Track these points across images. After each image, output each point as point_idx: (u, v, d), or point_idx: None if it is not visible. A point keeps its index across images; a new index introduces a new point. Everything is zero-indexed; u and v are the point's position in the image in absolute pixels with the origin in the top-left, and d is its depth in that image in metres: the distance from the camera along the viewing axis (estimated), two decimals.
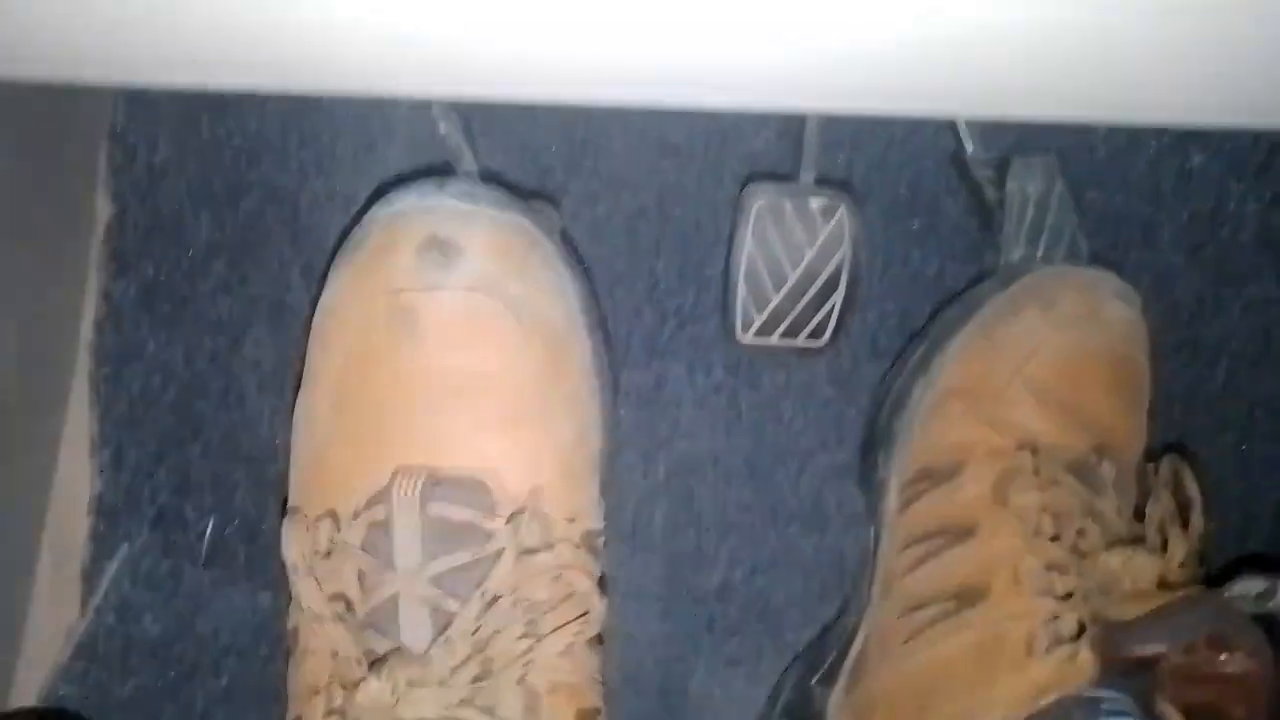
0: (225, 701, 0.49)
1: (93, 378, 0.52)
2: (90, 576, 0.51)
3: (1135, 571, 0.37)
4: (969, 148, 0.51)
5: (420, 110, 0.52)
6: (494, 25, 0.26)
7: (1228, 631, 0.33)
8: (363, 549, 0.34)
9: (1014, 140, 0.53)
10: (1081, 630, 0.36)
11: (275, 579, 0.51)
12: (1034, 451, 0.41)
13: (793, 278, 0.48)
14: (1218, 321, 0.53)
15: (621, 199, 0.53)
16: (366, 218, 0.38)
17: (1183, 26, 0.25)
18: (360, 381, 0.36)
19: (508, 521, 0.34)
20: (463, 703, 0.32)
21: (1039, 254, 0.48)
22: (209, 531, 0.51)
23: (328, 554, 0.34)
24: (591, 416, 0.39)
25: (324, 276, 0.51)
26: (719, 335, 0.53)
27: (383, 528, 0.34)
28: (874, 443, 0.48)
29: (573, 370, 0.38)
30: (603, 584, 0.38)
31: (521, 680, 0.33)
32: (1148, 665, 0.35)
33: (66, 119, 0.50)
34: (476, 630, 0.33)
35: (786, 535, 0.53)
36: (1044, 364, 0.43)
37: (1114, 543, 0.38)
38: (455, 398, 0.35)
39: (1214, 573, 0.38)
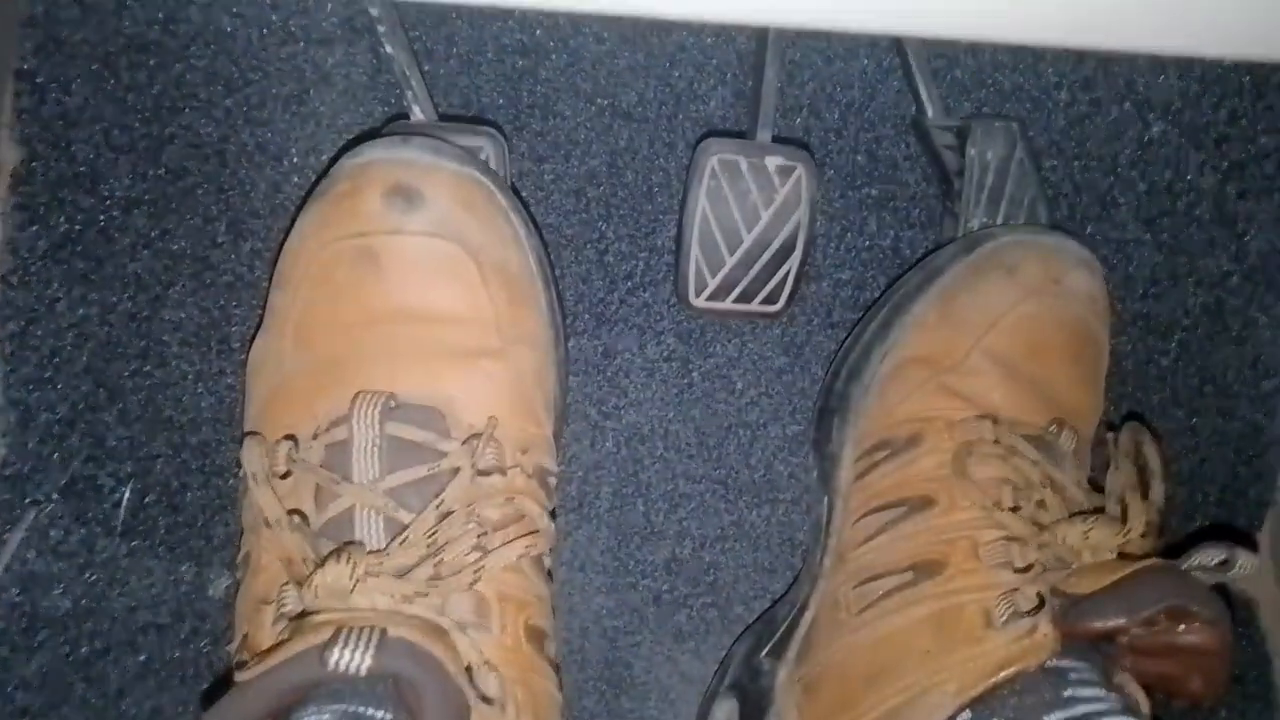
0: (142, 680, 0.47)
1: None
2: None
3: (1095, 543, 0.36)
4: (929, 113, 0.50)
5: (354, 58, 0.49)
6: None
7: (1187, 603, 0.33)
8: (321, 466, 0.35)
9: (974, 107, 0.52)
10: (1041, 604, 0.36)
11: (197, 551, 0.49)
12: (994, 421, 0.40)
13: (748, 239, 0.47)
14: (1172, 295, 0.53)
15: (570, 161, 0.51)
16: (334, 168, 0.39)
17: None
18: (323, 318, 0.37)
19: (463, 444, 0.35)
20: (416, 596, 0.32)
21: (999, 221, 0.47)
22: (125, 500, 0.48)
23: (285, 474, 0.35)
24: (547, 362, 0.40)
25: (251, 232, 0.49)
26: (670, 303, 0.52)
27: (341, 447, 0.35)
28: (829, 410, 0.47)
29: (530, 315, 0.39)
30: (553, 515, 0.39)
31: (471, 586, 0.34)
32: (1108, 639, 0.35)
33: None
34: (430, 537, 0.34)
35: (736, 508, 0.52)
36: (1005, 333, 0.42)
37: (1074, 514, 0.38)
38: (416, 331, 0.36)
39: (1174, 544, 0.38)
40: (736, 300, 0.48)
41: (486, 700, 0.33)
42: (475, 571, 0.34)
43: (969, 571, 0.37)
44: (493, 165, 0.45)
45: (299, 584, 0.32)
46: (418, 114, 0.45)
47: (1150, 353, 0.53)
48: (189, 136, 0.49)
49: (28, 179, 0.48)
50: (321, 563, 0.32)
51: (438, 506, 0.34)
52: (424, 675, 0.30)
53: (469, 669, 0.32)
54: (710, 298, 0.48)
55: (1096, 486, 0.41)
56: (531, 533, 0.36)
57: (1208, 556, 0.34)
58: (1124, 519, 0.37)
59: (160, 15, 0.48)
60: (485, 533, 0.35)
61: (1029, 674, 0.34)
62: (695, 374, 0.52)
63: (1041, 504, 0.38)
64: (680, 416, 0.52)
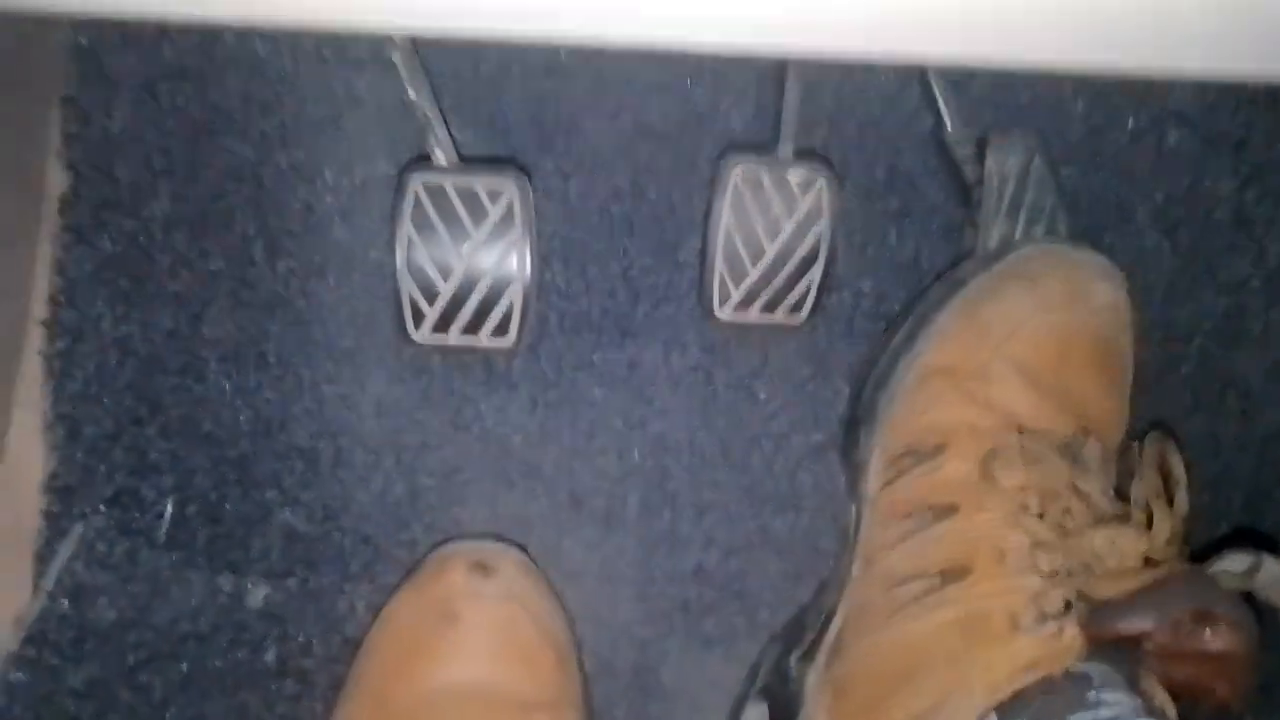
0: (184, 689, 0.48)
1: (45, 354, 0.50)
2: (43, 558, 0.49)
3: (1120, 549, 0.37)
4: (948, 125, 0.50)
5: (387, 80, 0.51)
6: None
7: (1213, 607, 0.33)
8: None
9: (992, 118, 0.53)
10: (1068, 607, 0.36)
11: (236, 562, 0.50)
12: (1019, 430, 0.41)
13: (771, 251, 0.48)
14: (1191, 301, 0.53)
15: (595, 178, 0.52)
16: (425, 558, 0.47)
17: None
18: (403, 677, 0.42)
19: None
20: None
21: (1018, 231, 0.48)
22: (168, 513, 0.50)
23: None
24: (584, 714, 0.46)
25: (287, 251, 0.50)
26: (694, 315, 0.52)
27: None
28: (857, 419, 0.48)
29: (572, 678, 0.45)
30: None
31: None
32: (1134, 642, 0.35)
33: (15, 83, 0.48)
34: None
35: (762, 516, 0.52)
36: (1027, 343, 0.43)
37: (1099, 521, 0.38)
38: (484, 688, 0.42)
39: (1198, 550, 0.38)
40: (760, 312, 0.49)
41: None
42: None
43: (995, 576, 0.38)
44: (516, 206, 0.46)
45: None
46: (439, 158, 0.47)
47: (1171, 359, 0.54)
48: (226, 159, 0.51)
49: (74, 202, 0.50)
50: None
51: None
52: None
53: None
54: (735, 310, 0.49)
55: (1122, 496, 0.41)
56: None
57: (1234, 563, 0.35)
58: (1149, 526, 0.37)
59: (198, 42, 0.50)
60: None
61: (1055, 677, 0.35)
62: (720, 385, 0.53)
63: (1067, 511, 0.39)
64: (705, 427, 0.52)
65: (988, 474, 0.40)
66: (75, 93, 0.50)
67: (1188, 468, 0.39)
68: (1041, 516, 0.39)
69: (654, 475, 0.52)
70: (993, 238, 0.48)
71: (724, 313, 0.49)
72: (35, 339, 0.50)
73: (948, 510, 0.40)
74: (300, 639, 0.50)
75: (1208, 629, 0.34)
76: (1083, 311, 0.43)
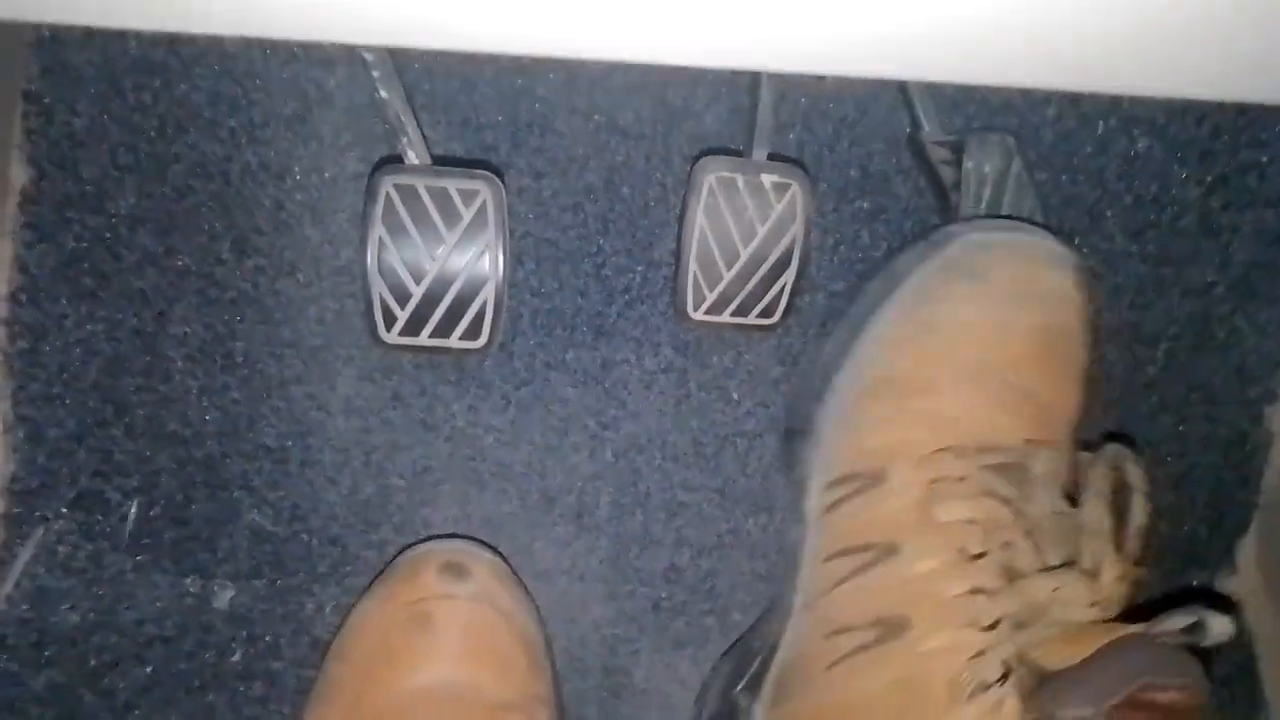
0: (149, 692, 0.47)
1: (6, 353, 0.49)
2: (2, 562, 0.48)
3: (1063, 600, 0.36)
4: (925, 127, 0.51)
5: (357, 77, 0.50)
6: None
7: (1159, 678, 0.32)
8: None
9: (969, 120, 0.53)
10: (1006, 674, 0.35)
11: (203, 564, 0.50)
12: (962, 454, 0.39)
13: (744, 254, 0.48)
14: (1159, 304, 0.54)
15: (569, 177, 0.52)
16: (396, 559, 0.47)
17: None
18: (375, 681, 0.42)
19: None
20: None
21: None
22: (132, 514, 0.49)
23: None
24: (554, 717, 0.45)
25: (255, 249, 0.49)
26: (667, 315, 0.52)
27: None
28: (795, 431, 0.46)
29: (542, 679, 0.45)
30: None
31: None
32: None
33: None
34: None
35: (734, 517, 0.53)
36: (978, 346, 0.41)
37: (1043, 564, 0.37)
38: (459, 689, 0.42)
39: (1145, 602, 0.37)
40: (733, 313, 0.49)
41: None
42: None
43: (933, 632, 0.37)
44: (489, 207, 0.46)
45: None
46: (412, 158, 0.46)
47: (1138, 361, 0.54)
48: (194, 155, 0.50)
49: (36, 198, 0.49)
50: None
51: None
52: None
53: None
54: (708, 311, 0.49)
55: (1073, 500, 0.40)
56: None
57: (1176, 622, 0.33)
58: (1096, 572, 0.36)
59: (165, 37, 0.49)
60: None
61: None
62: (692, 385, 0.53)
63: (1009, 545, 0.37)
64: (678, 427, 0.53)
65: (926, 514, 0.38)
66: (38, 87, 0.49)
67: (1150, 479, 0.38)
68: (982, 555, 0.37)
69: (626, 475, 0.52)
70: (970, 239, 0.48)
71: (697, 315, 0.49)
72: None
73: (887, 550, 0.39)
74: (268, 640, 0.49)
75: (1157, 694, 0.32)
76: (1033, 305, 0.41)
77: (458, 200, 0.46)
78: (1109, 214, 0.53)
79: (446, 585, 0.43)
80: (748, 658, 0.46)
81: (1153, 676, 0.32)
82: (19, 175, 0.49)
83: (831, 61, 0.27)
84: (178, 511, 0.50)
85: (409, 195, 0.45)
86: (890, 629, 0.37)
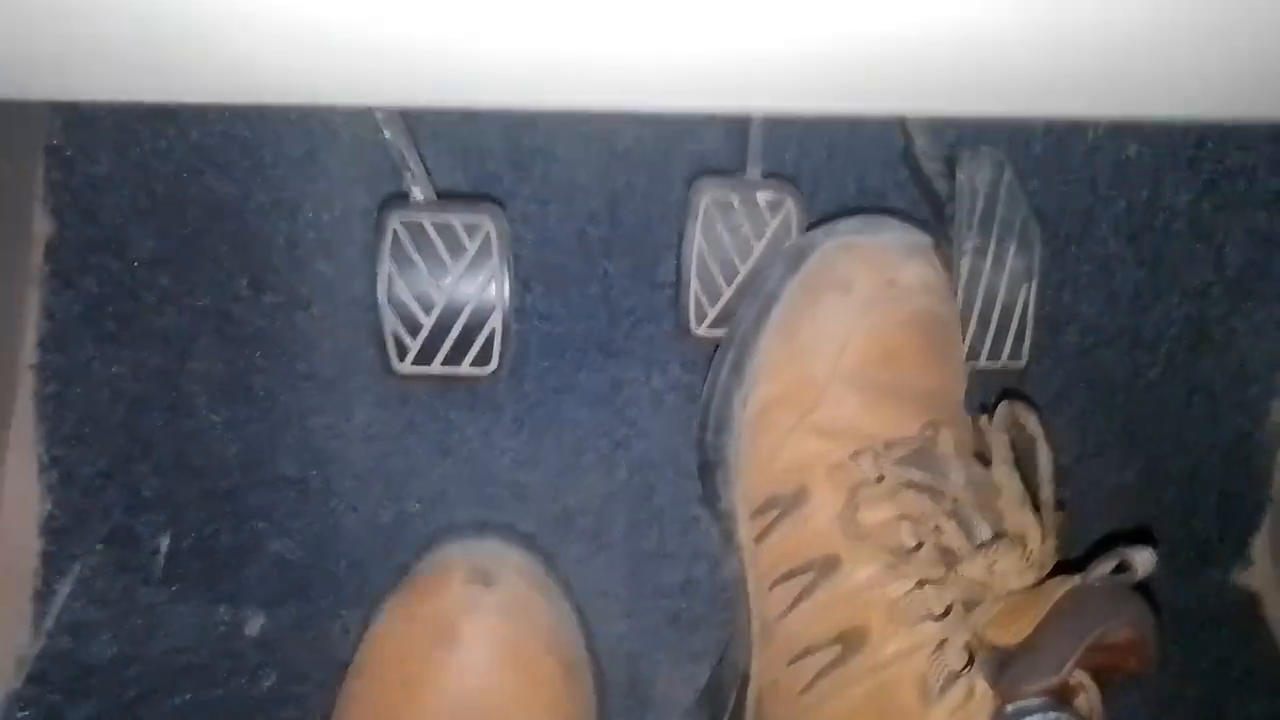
0: (185, 719, 0.49)
1: (38, 397, 0.51)
2: (42, 599, 0.50)
3: (1001, 573, 0.36)
4: (917, 141, 0.52)
5: (363, 116, 0.52)
6: (438, 32, 0.26)
7: (1108, 623, 0.33)
8: None
9: (961, 134, 0.54)
10: (970, 659, 0.36)
11: (231, 593, 0.51)
12: (873, 455, 0.40)
13: (743, 271, 0.49)
14: (1156, 308, 0.55)
15: (572, 203, 0.53)
16: (416, 563, 0.44)
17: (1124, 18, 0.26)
18: (398, 701, 0.40)
19: None
20: None
21: (992, 241, 0.49)
22: (163, 548, 0.51)
23: None
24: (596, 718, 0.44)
25: (270, 286, 0.51)
26: (673, 334, 0.53)
27: None
28: (709, 464, 0.46)
29: (580, 688, 0.44)
30: None
31: None
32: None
33: (0, 136, 0.49)
34: None
35: None
36: (856, 353, 0.42)
37: (975, 541, 0.38)
38: (487, 713, 0.40)
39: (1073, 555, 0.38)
40: None
41: None
42: None
43: (892, 636, 0.37)
44: (493, 238, 0.47)
45: None
46: (417, 195, 0.48)
47: (1138, 365, 0.55)
48: (209, 197, 0.51)
49: (59, 247, 0.51)
50: None
51: None
52: None
53: None
54: (710, 327, 0.50)
55: (986, 461, 0.41)
56: None
57: (1105, 566, 0.35)
58: (1023, 536, 0.37)
59: None
60: None
61: None
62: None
63: (939, 530, 0.38)
64: (688, 443, 0.53)
65: (851, 525, 0.39)
66: (59, 140, 0.51)
67: (1046, 425, 0.39)
68: (919, 547, 0.38)
69: (640, 492, 0.53)
70: (965, 250, 0.49)
71: (700, 330, 0.50)
72: (27, 383, 0.51)
73: (827, 565, 0.39)
74: (297, 665, 0.50)
75: (1110, 636, 0.34)
76: (898, 300, 0.42)
77: (462, 233, 0.47)
78: (1102, 220, 0.54)
79: (473, 596, 0.41)
80: (722, 693, 0.46)
81: (1099, 625, 0.33)
82: (43, 226, 0.51)
83: (820, 100, 0.28)
84: (205, 543, 0.51)
85: (415, 231, 0.47)
86: (851, 643, 0.38)
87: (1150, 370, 0.55)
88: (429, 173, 0.48)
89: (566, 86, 0.27)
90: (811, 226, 0.46)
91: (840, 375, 0.41)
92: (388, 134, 0.47)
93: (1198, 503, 0.56)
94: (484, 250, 0.47)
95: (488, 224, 0.47)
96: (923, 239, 0.44)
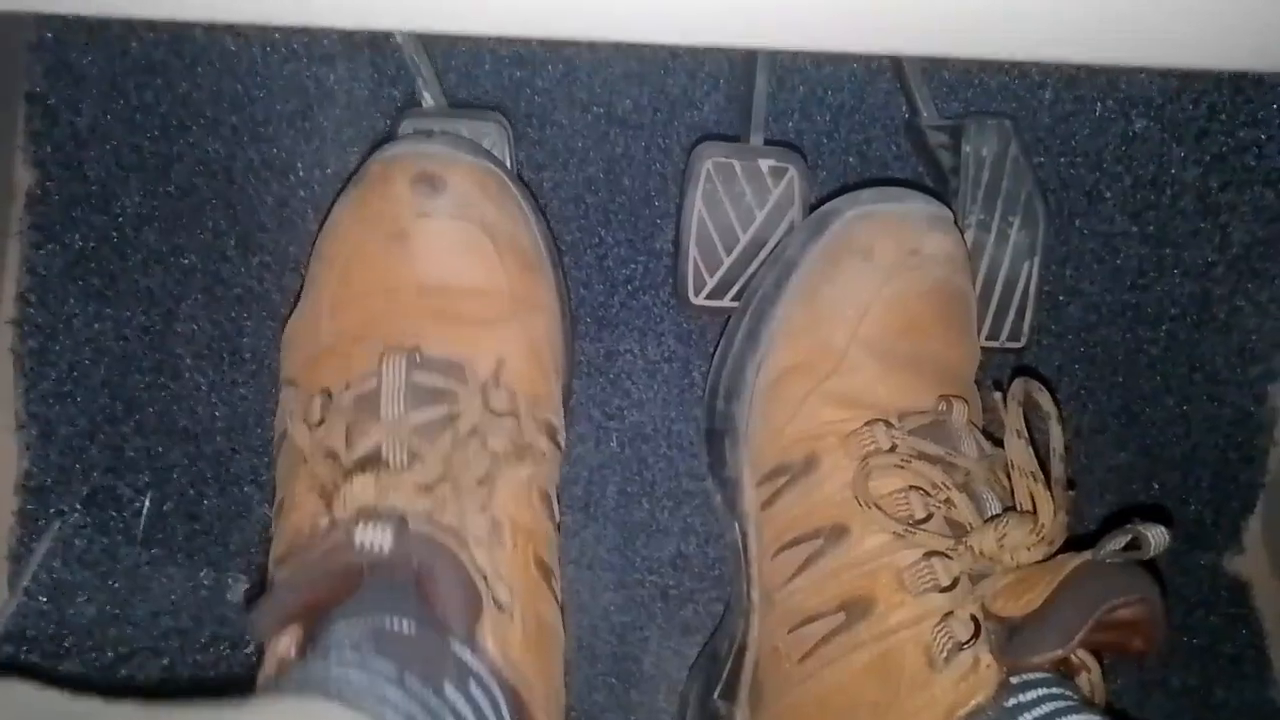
0: (166, 684, 0.48)
1: (16, 353, 0.50)
2: (18, 557, 0.49)
3: (1011, 545, 0.36)
4: (923, 112, 0.51)
5: (356, 73, 0.51)
6: None
7: (1117, 599, 0.33)
8: (353, 408, 0.38)
9: (963, 106, 0.53)
10: (977, 629, 0.35)
11: (216, 557, 0.50)
12: (886, 425, 0.40)
13: (744, 239, 0.48)
14: (1159, 285, 0.54)
15: (569, 169, 0.53)
16: (367, 161, 0.42)
17: None
18: (356, 291, 0.40)
19: (479, 387, 0.39)
20: (435, 509, 0.35)
21: (996, 216, 0.48)
22: (145, 509, 0.50)
23: (319, 422, 0.38)
24: (555, 327, 0.43)
25: (260, 246, 0.50)
26: (670, 305, 0.53)
27: (370, 395, 0.37)
28: (716, 431, 0.46)
29: (539, 286, 0.43)
30: (557, 440, 0.42)
31: (484, 510, 0.36)
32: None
33: None
34: (445, 461, 0.36)
35: None
36: (876, 321, 0.41)
37: (984, 515, 0.38)
38: (439, 301, 0.40)
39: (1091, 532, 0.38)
40: (734, 298, 0.49)
41: (499, 605, 0.35)
42: (487, 492, 0.37)
43: (899, 605, 0.37)
44: (498, 150, 0.46)
45: (329, 504, 0.35)
46: (428, 100, 0.47)
47: (1140, 342, 0.54)
48: (197, 154, 0.50)
49: (42, 199, 0.50)
50: (348, 477, 0.35)
51: (453, 435, 0.37)
52: (441, 565, 0.33)
53: (484, 577, 0.35)
54: (709, 296, 0.49)
55: (993, 438, 0.41)
56: (536, 469, 0.39)
57: (1118, 542, 0.34)
58: (1033, 508, 0.36)
59: (166, 37, 0.50)
60: (494, 463, 0.37)
61: (983, 711, 0.34)
62: (696, 374, 0.53)
63: (949, 503, 0.38)
64: (682, 416, 0.53)
65: (863, 491, 0.38)
66: (41, 89, 0.49)
67: (1059, 403, 0.39)
68: (929, 518, 0.38)
69: (632, 464, 0.53)
70: (970, 223, 0.49)
71: (698, 300, 0.49)
72: (6, 338, 0.50)
73: (835, 533, 0.39)
74: None
75: (1116, 611, 0.34)
76: (920, 270, 0.42)
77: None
78: (1108, 195, 0.53)
79: (420, 201, 0.40)
80: (717, 663, 0.45)
81: (1110, 600, 0.33)
82: (24, 177, 0.50)
83: (825, 37, 0.27)
84: (190, 506, 0.50)
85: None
86: (856, 610, 0.38)
87: (1152, 348, 0.54)
88: (439, 77, 0.47)
89: (568, 14, 0.27)
90: (829, 197, 0.45)
91: (859, 342, 0.41)
92: (398, 36, 0.45)
93: (1194, 483, 0.55)
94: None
95: (494, 133, 0.46)
96: (945, 211, 0.44)
